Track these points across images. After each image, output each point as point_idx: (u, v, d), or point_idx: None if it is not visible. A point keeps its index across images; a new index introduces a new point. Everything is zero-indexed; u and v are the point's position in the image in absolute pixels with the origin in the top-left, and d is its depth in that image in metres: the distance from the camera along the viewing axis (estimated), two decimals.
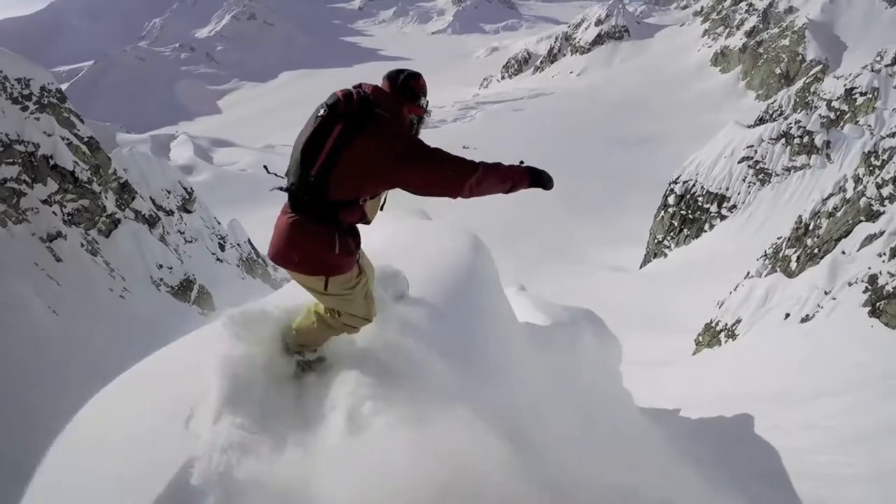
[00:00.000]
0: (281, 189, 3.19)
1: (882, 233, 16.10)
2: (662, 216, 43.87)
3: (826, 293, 16.33)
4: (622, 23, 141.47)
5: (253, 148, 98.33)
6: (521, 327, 7.64)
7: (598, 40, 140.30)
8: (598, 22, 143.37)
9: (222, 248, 36.28)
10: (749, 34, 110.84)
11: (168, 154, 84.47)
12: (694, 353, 21.42)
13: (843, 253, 17.31)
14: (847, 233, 18.59)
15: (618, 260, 46.49)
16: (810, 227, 21.90)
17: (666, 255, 42.39)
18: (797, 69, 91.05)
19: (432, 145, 3.21)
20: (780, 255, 23.38)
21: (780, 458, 8.46)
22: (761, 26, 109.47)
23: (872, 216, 18.18)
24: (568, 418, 6.42)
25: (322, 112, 3.11)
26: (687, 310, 28.69)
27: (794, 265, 21.22)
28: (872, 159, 20.90)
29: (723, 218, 39.86)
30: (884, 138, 21.40)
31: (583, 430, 6.37)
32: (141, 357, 4.27)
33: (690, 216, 41.51)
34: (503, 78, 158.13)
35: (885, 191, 18.46)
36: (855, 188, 20.61)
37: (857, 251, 16.82)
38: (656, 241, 43.91)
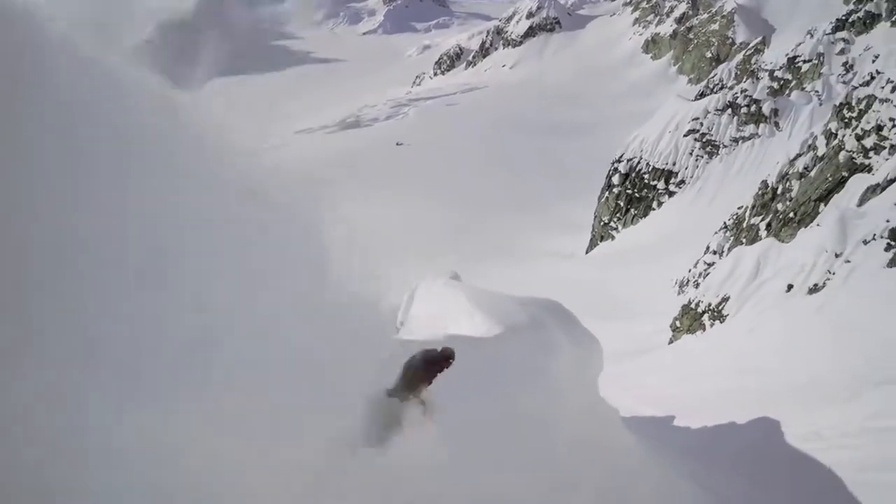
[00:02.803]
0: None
1: (892, 181, 13.42)
2: (607, 197, 41.34)
3: (837, 255, 13.31)
4: (553, 15, 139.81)
5: None
6: None
7: (530, 33, 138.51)
8: (530, 15, 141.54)
9: None
10: (679, 21, 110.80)
11: None
12: (671, 342, 18.24)
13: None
14: (828, 191, 16.04)
15: (563, 247, 44.13)
16: (778, 192, 19.34)
17: (613, 237, 39.93)
18: (727, 52, 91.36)
19: None
20: (745, 224, 20.86)
21: (836, 483, 5.54)
22: (691, 13, 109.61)
23: (856, 169, 15.69)
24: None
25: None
26: (645, 293, 26.04)
27: (763, 233, 18.65)
28: (846, 111, 18.37)
29: (671, 194, 37.55)
30: (856, 88, 18.91)
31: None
32: None
33: (637, 195, 39.07)
34: (436, 74, 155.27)
35: (868, 141, 15.97)
36: (828, 144, 18.12)
37: (860, 206, 14.10)
38: (602, 223, 41.37)
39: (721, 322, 15.68)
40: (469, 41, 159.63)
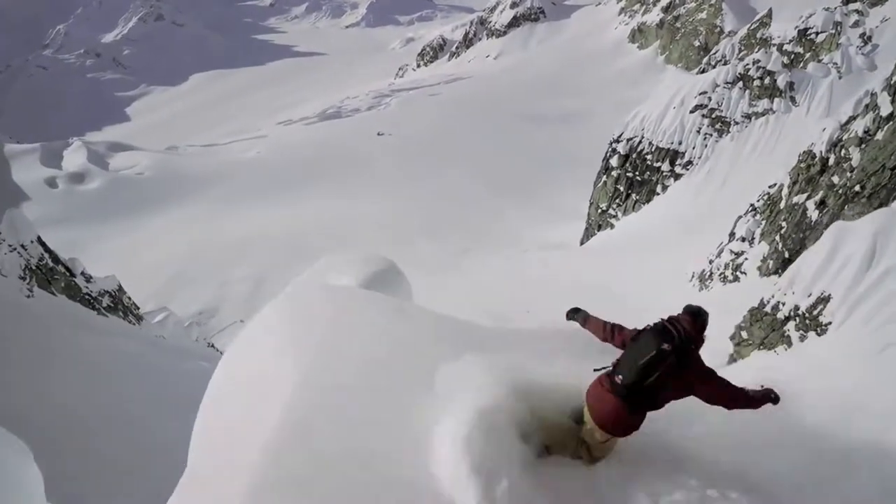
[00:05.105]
0: (614, 378, 4.47)
1: None
2: (605, 181, 37.63)
3: None
4: (537, 4, 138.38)
5: (153, 150, 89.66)
6: None
7: (514, 23, 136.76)
8: (514, 5, 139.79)
9: None
10: (666, 10, 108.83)
11: (60, 163, 75.68)
12: (733, 360, 13.50)
13: None
14: None
15: (554, 237, 41.14)
16: (830, 162, 15.77)
17: (612, 225, 36.32)
18: (716, 41, 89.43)
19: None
20: (783, 205, 17.34)
21: None
22: (678, 1, 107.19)
23: None
24: None
25: (665, 347, 4.27)
26: (656, 289, 22.41)
27: (813, 213, 15.10)
28: None
29: (677, 177, 34.02)
30: None
31: None
32: None
33: (638, 178, 35.42)
34: (418, 66, 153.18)
35: None
36: (895, 100, 14.57)
37: None
38: (599, 210, 37.72)
39: (819, 334, 10.81)
40: (453, 32, 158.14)
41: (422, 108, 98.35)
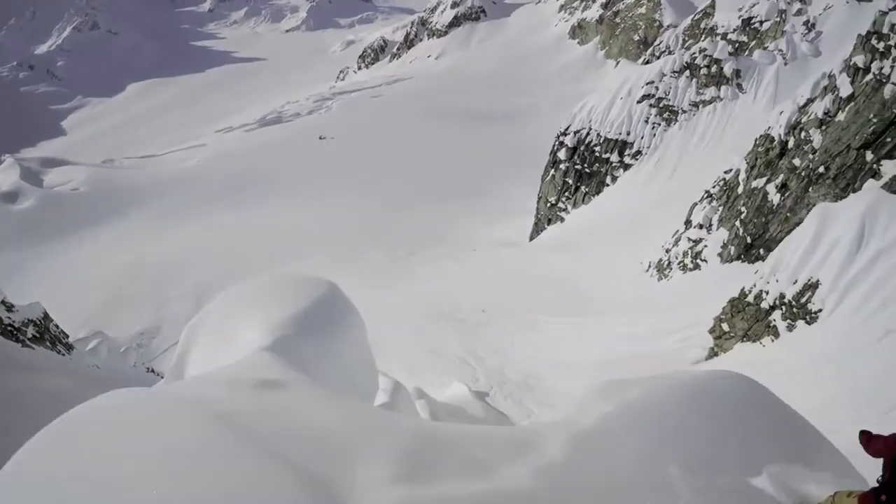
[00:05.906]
0: None
1: None
2: (553, 175, 36.83)
3: None
4: (478, 4, 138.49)
5: (88, 164, 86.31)
6: None
7: (455, 22, 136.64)
8: (454, 4, 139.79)
9: None
10: (605, 6, 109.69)
11: None
12: (714, 354, 12.34)
13: None
14: (876, 134, 11.82)
15: (504, 235, 40.23)
16: (789, 145, 15.10)
17: (563, 219, 35.52)
18: (655, 35, 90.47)
19: None
20: (741, 190, 16.66)
21: None
22: None
23: None
24: None
25: None
26: (611, 280, 21.65)
27: (775, 198, 14.39)
28: (875, 41, 14.07)
29: (626, 167, 33.45)
30: (887, 13, 14.57)
31: None
32: None
33: (587, 170, 34.74)
34: (360, 68, 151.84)
35: None
36: (855, 81, 13.95)
37: None
38: (548, 204, 36.91)
39: (809, 322, 9.89)
40: (394, 34, 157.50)
41: (364, 110, 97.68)
